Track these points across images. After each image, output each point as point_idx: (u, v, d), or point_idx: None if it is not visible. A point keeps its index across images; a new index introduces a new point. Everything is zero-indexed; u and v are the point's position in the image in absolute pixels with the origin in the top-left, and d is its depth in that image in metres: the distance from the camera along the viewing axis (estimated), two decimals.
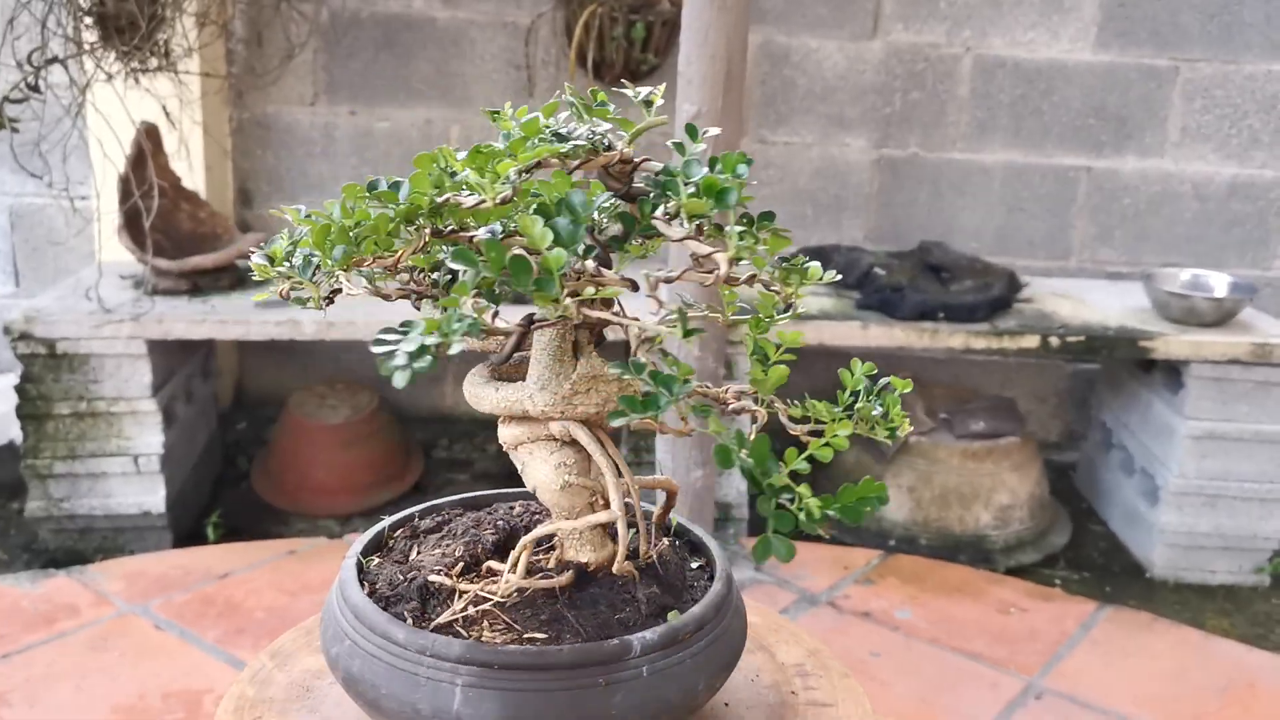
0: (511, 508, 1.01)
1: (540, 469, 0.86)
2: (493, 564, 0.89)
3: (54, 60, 2.22)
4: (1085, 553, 2.64)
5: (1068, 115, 2.90)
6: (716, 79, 2.00)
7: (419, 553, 0.93)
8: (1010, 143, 2.92)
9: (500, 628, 0.82)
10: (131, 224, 2.34)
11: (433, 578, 0.87)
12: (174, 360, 2.44)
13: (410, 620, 0.82)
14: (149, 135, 2.39)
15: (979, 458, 2.55)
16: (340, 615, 0.85)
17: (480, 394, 0.87)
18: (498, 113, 0.83)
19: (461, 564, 0.90)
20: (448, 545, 0.93)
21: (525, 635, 0.81)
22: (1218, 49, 2.84)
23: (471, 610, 0.83)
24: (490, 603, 0.84)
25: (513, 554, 0.86)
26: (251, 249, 0.88)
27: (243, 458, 2.86)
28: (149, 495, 2.35)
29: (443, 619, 0.83)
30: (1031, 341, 2.42)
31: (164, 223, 2.42)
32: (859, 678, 1.94)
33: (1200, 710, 1.92)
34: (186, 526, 2.48)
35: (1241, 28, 2.82)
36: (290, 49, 2.75)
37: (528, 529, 0.96)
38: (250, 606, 2.06)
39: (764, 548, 0.74)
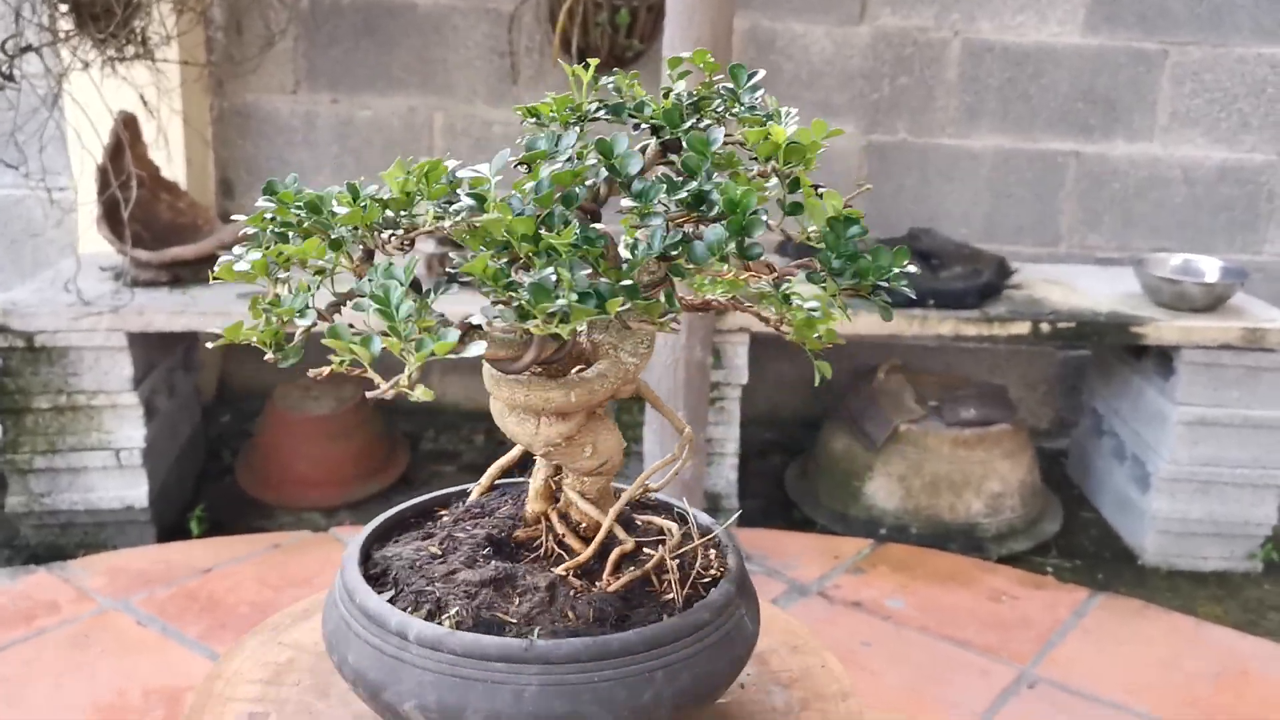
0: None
1: (611, 437, 0.88)
2: (570, 556, 0.88)
3: (29, 49, 2.19)
4: (1077, 540, 2.63)
5: (1056, 99, 2.88)
6: None
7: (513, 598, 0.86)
8: (999, 127, 2.90)
9: (712, 568, 0.90)
10: (110, 215, 2.31)
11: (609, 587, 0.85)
12: (155, 353, 2.41)
13: (665, 613, 0.84)
14: (127, 125, 2.35)
15: (970, 445, 2.53)
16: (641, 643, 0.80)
17: (591, 386, 0.83)
18: (534, 108, 0.85)
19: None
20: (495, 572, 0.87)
21: (724, 565, 0.90)
22: (1207, 32, 2.82)
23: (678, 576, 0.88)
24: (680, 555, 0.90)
25: (620, 505, 0.88)
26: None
27: (226, 451, 2.83)
28: (131, 489, 2.32)
29: (671, 594, 0.86)
30: (1022, 328, 2.40)
31: (143, 213, 2.39)
32: (850, 668, 1.92)
33: (1193, 697, 1.91)
34: (169, 521, 2.45)
35: (1231, 10, 2.80)
36: (270, 36, 2.71)
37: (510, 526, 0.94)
38: (233, 601, 2.03)
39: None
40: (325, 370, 0.72)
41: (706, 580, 0.88)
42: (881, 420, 2.57)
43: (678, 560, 0.87)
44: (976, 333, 2.41)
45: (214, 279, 0.77)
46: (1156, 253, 2.77)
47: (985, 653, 2.00)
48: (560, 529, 0.90)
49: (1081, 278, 2.72)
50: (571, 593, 0.83)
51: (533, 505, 0.91)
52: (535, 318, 0.70)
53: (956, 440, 2.53)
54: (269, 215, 0.78)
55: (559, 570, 0.86)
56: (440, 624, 0.80)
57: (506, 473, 0.98)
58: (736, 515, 0.97)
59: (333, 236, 0.76)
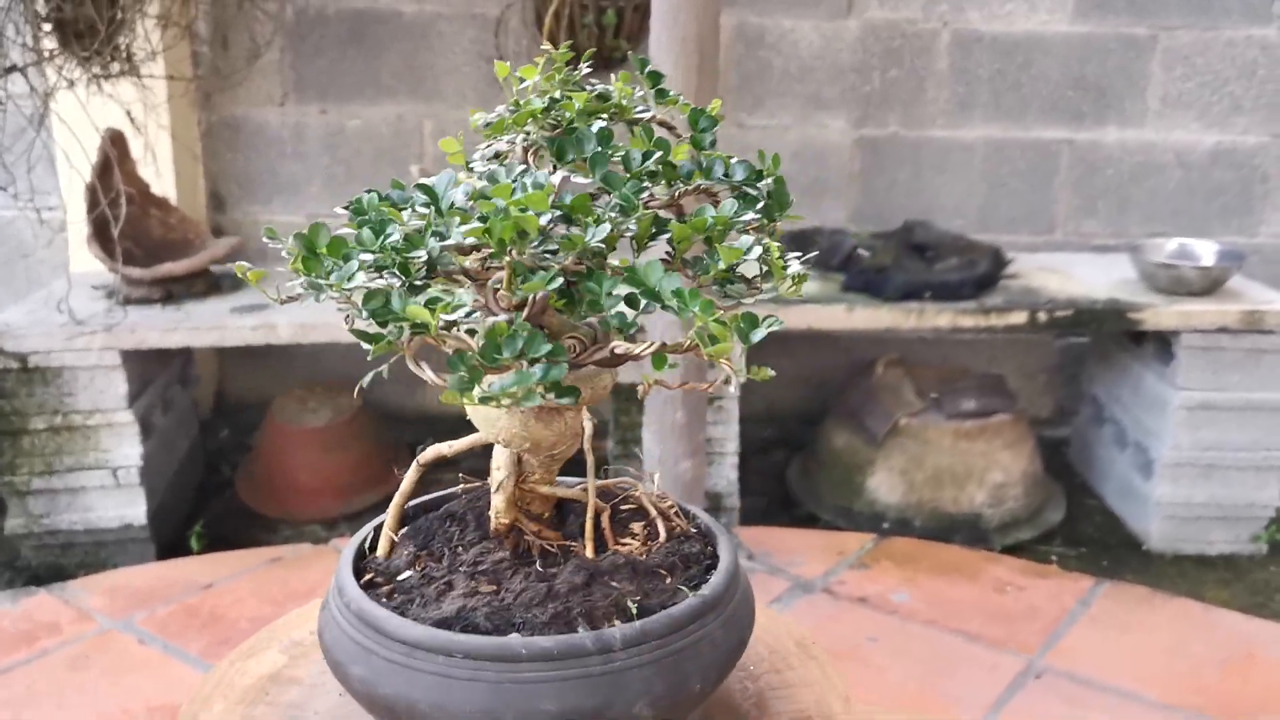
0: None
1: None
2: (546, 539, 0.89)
3: (13, 69, 2.18)
4: (1081, 528, 2.62)
5: (1047, 88, 2.87)
6: (689, 63, 1.97)
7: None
8: (990, 117, 2.89)
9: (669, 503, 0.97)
10: (100, 233, 2.30)
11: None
12: (150, 369, 2.40)
13: (699, 544, 0.91)
14: (114, 142, 2.35)
15: (971, 437, 2.52)
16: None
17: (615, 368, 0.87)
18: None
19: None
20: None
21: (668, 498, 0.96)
22: (1196, 16, 2.81)
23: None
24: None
25: (592, 479, 0.90)
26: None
27: (225, 465, 2.82)
28: (130, 507, 2.31)
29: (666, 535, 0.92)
30: (1019, 318, 2.39)
31: (134, 230, 2.38)
32: (856, 664, 1.91)
33: (1201, 683, 1.90)
34: (169, 537, 2.44)
35: None
36: (256, 49, 2.71)
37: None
38: (235, 617, 2.02)
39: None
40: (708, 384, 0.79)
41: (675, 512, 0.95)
42: (881, 414, 2.56)
43: (670, 505, 0.94)
44: (974, 324, 2.40)
45: (445, 400, 0.71)
46: (1152, 238, 2.76)
47: (992, 644, 1.99)
48: (535, 526, 0.89)
49: (1078, 265, 2.72)
50: (639, 561, 0.86)
51: (505, 516, 0.88)
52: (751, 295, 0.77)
53: (957, 432, 2.52)
54: (369, 257, 0.71)
55: (589, 553, 0.86)
56: (618, 625, 0.79)
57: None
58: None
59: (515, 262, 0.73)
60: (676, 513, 0.93)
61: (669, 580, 0.85)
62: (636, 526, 0.91)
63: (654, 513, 0.91)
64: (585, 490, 0.89)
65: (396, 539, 0.91)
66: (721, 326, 0.71)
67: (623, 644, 0.77)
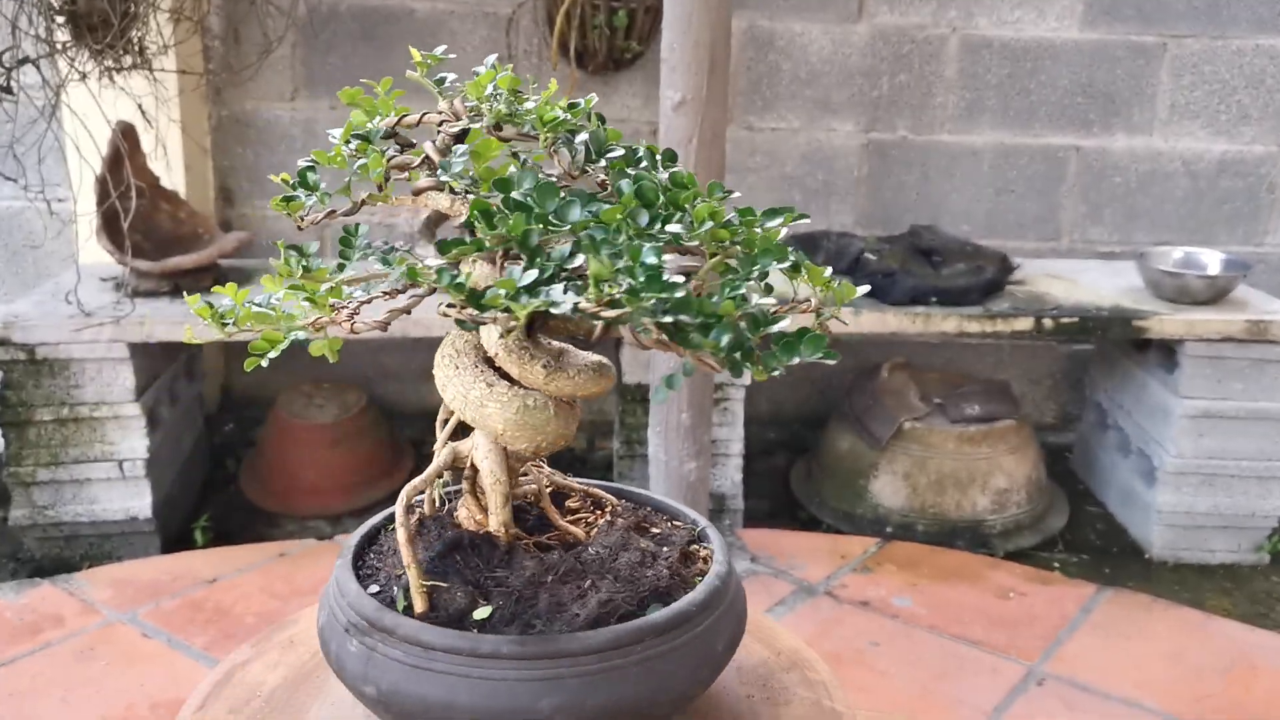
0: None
1: None
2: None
3: (26, 61, 2.18)
4: (1083, 535, 2.62)
5: (1056, 95, 2.87)
6: (700, 65, 1.97)
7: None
8: (998, 123, 2.89)
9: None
10: (110, 225, 2.30)
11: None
12: (157, 363, 2.40)
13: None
14: (125, 135, 2.35)
15: (975, 442, 2.53)
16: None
17: None
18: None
19: None
20: None
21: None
22: (1205, 24, 2.82)
23: None
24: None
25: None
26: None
27: (231, 460, 2.82)
28: (135, 500, 2.31)
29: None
30: (1025, 324, 2.39)
31: (143, 223, 2.38)
32: (858, 668, 1.92)
33: (1202, 691, 1.90)
34: (174, 531, 2.45)
35: (1228, 2, 2.80)
36: (268, 44, 2.71)
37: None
38: (240, 611, 2.03)
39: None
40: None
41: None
42: (886, 418, 2.57)
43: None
44: (980, 329, 2.41)
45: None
46: (1158, 246, 2.76)
47: (994, 650, 2.00)
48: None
49: (1084, 272, 2.72)
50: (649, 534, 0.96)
51: (496, 517, 0.90)
52: None
53: (961, 437, 2.52)
54: None
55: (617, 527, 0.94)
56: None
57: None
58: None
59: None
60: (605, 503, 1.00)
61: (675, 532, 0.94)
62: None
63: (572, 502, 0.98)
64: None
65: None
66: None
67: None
